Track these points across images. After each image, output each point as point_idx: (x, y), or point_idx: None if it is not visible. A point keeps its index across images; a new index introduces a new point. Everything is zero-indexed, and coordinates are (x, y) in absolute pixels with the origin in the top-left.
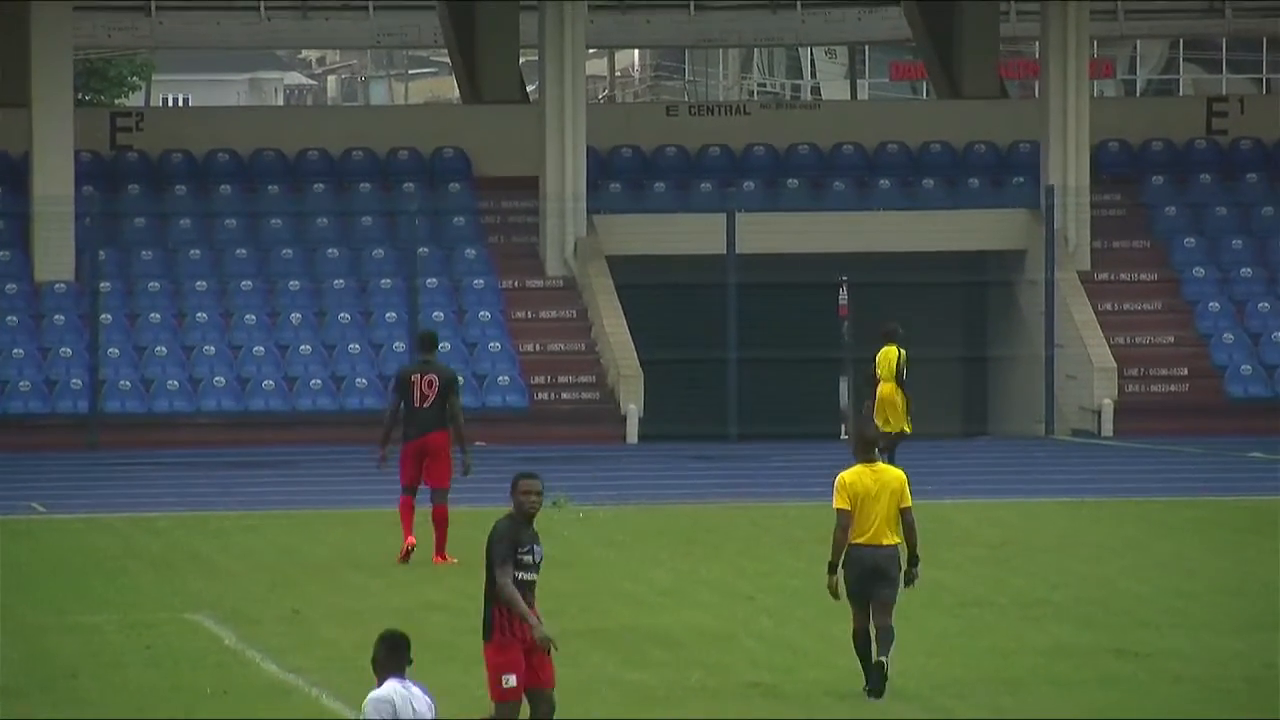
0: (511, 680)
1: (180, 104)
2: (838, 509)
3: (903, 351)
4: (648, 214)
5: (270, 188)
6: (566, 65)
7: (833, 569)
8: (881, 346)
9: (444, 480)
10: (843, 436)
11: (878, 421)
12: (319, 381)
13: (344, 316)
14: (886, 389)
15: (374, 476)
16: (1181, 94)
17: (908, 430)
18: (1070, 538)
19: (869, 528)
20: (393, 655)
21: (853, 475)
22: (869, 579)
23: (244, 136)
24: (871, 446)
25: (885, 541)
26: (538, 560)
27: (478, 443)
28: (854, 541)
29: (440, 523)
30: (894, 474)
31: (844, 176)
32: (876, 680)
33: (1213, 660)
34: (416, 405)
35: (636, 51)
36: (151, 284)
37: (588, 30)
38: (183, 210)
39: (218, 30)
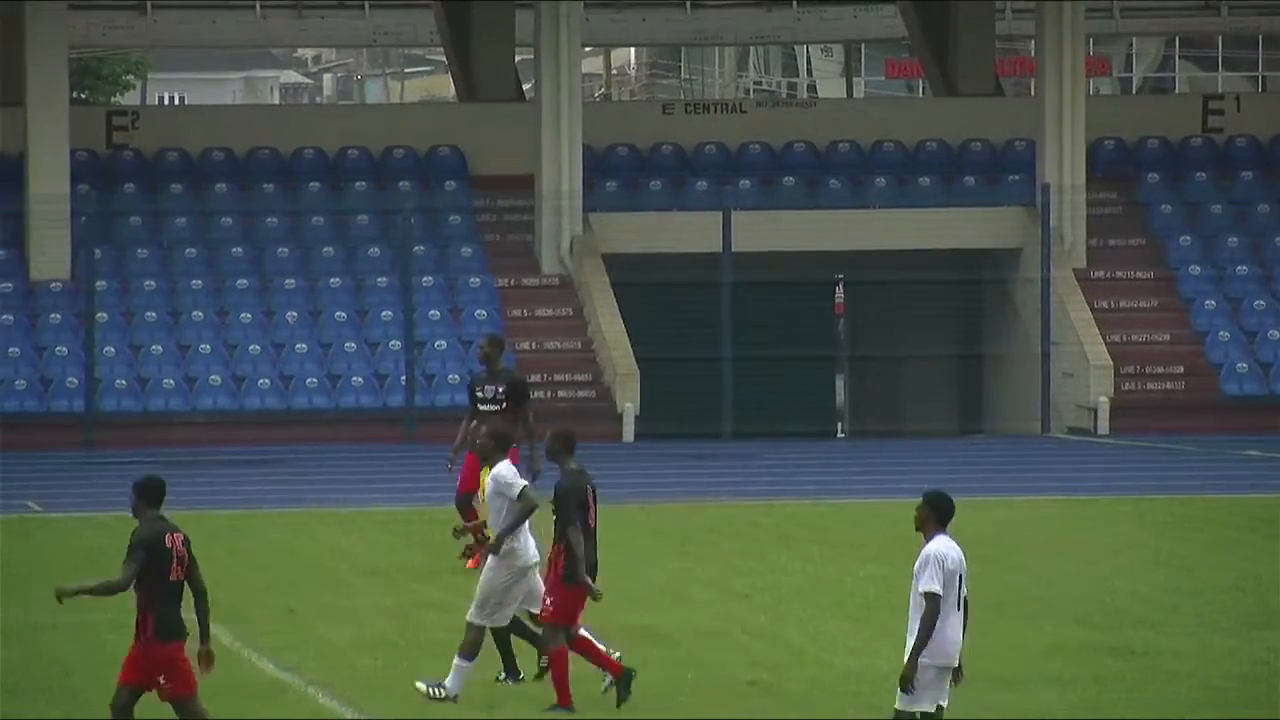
0: None
1: (176, 102)
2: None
3: None
4: (643, 212)
5: (265, 186)
6: (562, 63)
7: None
8: None
9: None
10: (838, 435)
11: None
12: (314, 380)
13: (340, 315)
14: None
15: (369, 476)
16: (1177, 92)
17: None
18: (1066, 536)
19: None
20: None
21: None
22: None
23: (239, 135)
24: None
25: None
26: None
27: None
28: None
29: None
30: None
31: (840, 174)
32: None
33: (1209, 658)
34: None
35: (632, 49)
36: (147, 282)
37: (583, 28)
38: (178, 209)
39: (213, 29)
